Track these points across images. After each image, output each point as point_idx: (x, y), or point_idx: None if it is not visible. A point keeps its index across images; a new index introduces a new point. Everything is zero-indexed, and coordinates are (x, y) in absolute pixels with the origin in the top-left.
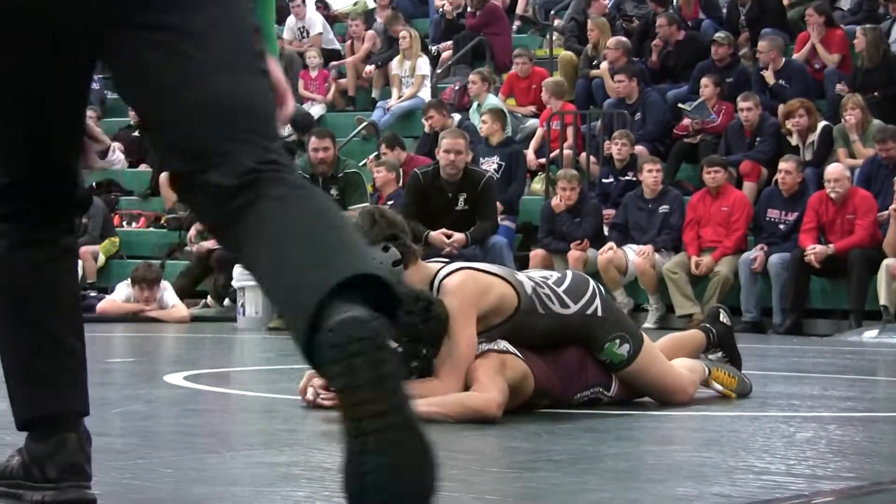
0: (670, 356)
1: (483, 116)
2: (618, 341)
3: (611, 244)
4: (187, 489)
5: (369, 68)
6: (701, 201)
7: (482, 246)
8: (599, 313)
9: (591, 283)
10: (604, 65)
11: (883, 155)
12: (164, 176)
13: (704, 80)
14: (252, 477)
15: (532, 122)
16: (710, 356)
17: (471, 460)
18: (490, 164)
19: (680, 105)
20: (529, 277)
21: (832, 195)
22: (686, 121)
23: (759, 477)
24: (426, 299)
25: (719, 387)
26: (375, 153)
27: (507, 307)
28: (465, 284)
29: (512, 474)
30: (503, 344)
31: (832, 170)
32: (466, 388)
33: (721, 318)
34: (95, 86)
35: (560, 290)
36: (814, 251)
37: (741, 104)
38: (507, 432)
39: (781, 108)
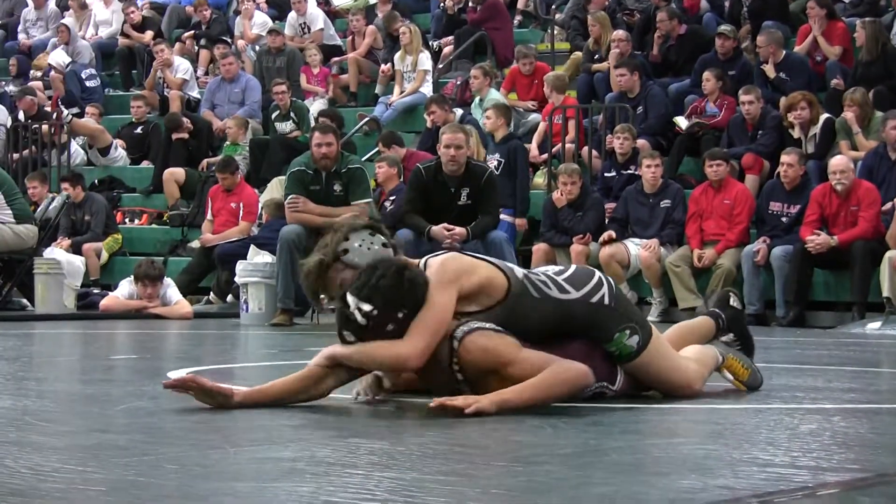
0: (679, 346)
1: (487, 112)
2: (627, 332)
3: (610, 232)
4: (192, 485)
5: (385, 67)
6: (703, 194)
7: (483, 240)
8: (606, 301)
9: (598, 273)
10: (613, 54)
11: (894, 134)
12: (167, 172)
13: (706, 74)
14: (256, 472)
15: (534, 116)
16: (723, 339)
17: (474, 454)
18: (491, 161)
19: (675, 119)
20: (522, 269)
21: (837, 187)
22: (683, 124)
23: (763, 469)
24: (400, 265)
25: (730, 376)
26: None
27: (497, 288)
28: (446, 261)
29: (516, 468)
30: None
31: (837, 162)
32: (515, 378)
33: (731, 303)
34: (96, 83)
35: (559, 278)
36: (815, 239)
37: (742, 97)
38: (511, 426)
39: (783, 100)
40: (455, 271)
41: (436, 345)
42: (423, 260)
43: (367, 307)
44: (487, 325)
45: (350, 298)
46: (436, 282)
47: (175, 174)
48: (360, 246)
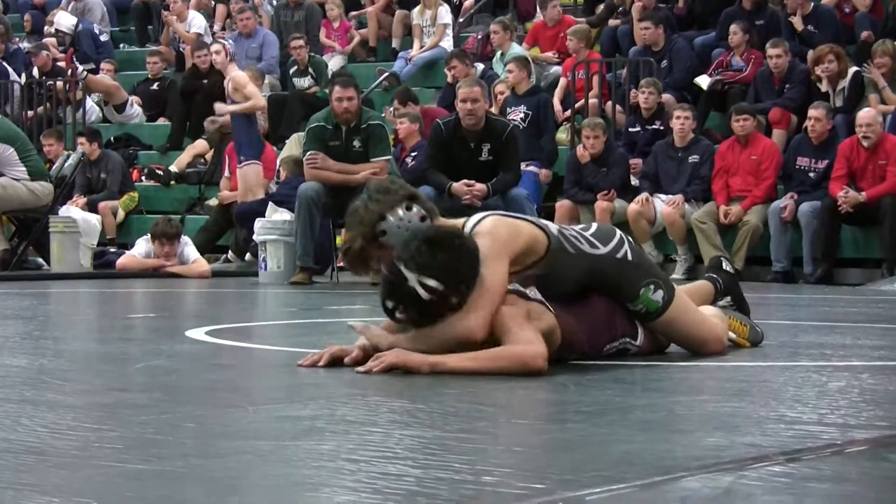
0: None
1: (509, 65)
2: (652, 287)
3: (645, 195)
4: (211, 443)
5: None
6: (730, 150)
7: (503, 197)
8: (630, 258)
9: (618, 230)
10: (637, 7)
11: None
12: (190, 147)
13: (733, 27)
14: (276, 431)
15: (555, 69)
16: (720, 303)
17: (497, 412)
18: (517, 114)
19: (696, 81)
20: (555, 225)
21: (864, 141)
22: (704, 83)
23: (790, 427)
24: (454, 235)
25: (733, 335)
26: (392, 108)
27: (539, 247)
28: (496, 227)
29: (540, 426)
30: (533, 292)
31: (863, 115)
32: (495, 339)
33: (724, 267)
34: (105, 38)
35: (587, 234)
36: (845, 196)
37: (770, 51)
38: (535, 384)
39: (811, 54)
40: (506, 237)
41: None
42: (468, 225)
43: (432, 283)
44: (522, 290)
45: (409, 274)
46: (490, 252)
47: (197, 147)
48: (399, 228)
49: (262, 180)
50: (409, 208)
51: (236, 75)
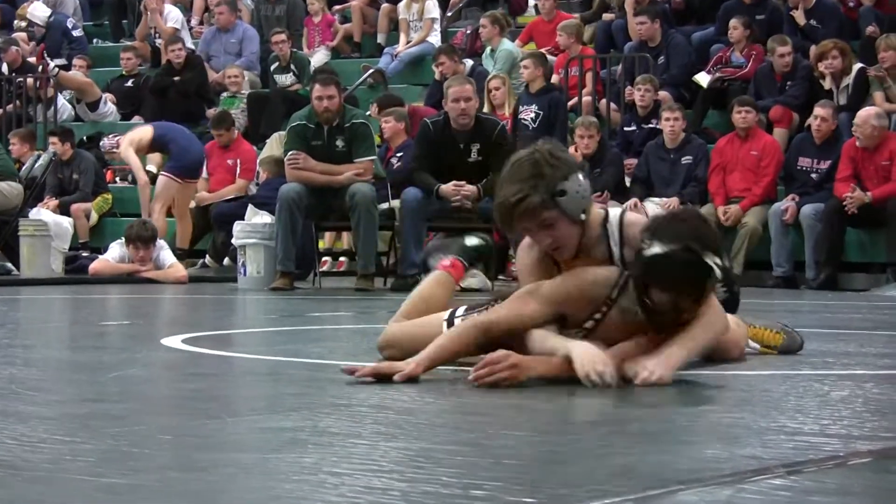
0: None
1: (524, 62)
2: None
3: (634, 200)
4: (189, 455)
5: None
6: (729, 144)
7: (493, 199)
8: None
9: None
10: (630, 1)
11: None
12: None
13: (733, 22)
14: (257, 442)
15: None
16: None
17: (488, 423)
18: (528, 114)
19: (695, 78)
20: None
21: (857, 141)
22: (704, 81)
23: (791, 438)
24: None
25: (756, 345)
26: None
27: None
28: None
29: (533, 438)
30: None
31: (859, 113)
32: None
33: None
34: (80, 33)
35: None
36: (852, 196)
37: (778, 49)
38: (528, 393)
39: (814, 49)
40: None
41: None
42: (614, 219)
43: (720, 261)
44: None
45: (706, 255)
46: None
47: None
48: (578, 193)
49: (168, 197)
50: (584, 177)
51: (124, 155)
